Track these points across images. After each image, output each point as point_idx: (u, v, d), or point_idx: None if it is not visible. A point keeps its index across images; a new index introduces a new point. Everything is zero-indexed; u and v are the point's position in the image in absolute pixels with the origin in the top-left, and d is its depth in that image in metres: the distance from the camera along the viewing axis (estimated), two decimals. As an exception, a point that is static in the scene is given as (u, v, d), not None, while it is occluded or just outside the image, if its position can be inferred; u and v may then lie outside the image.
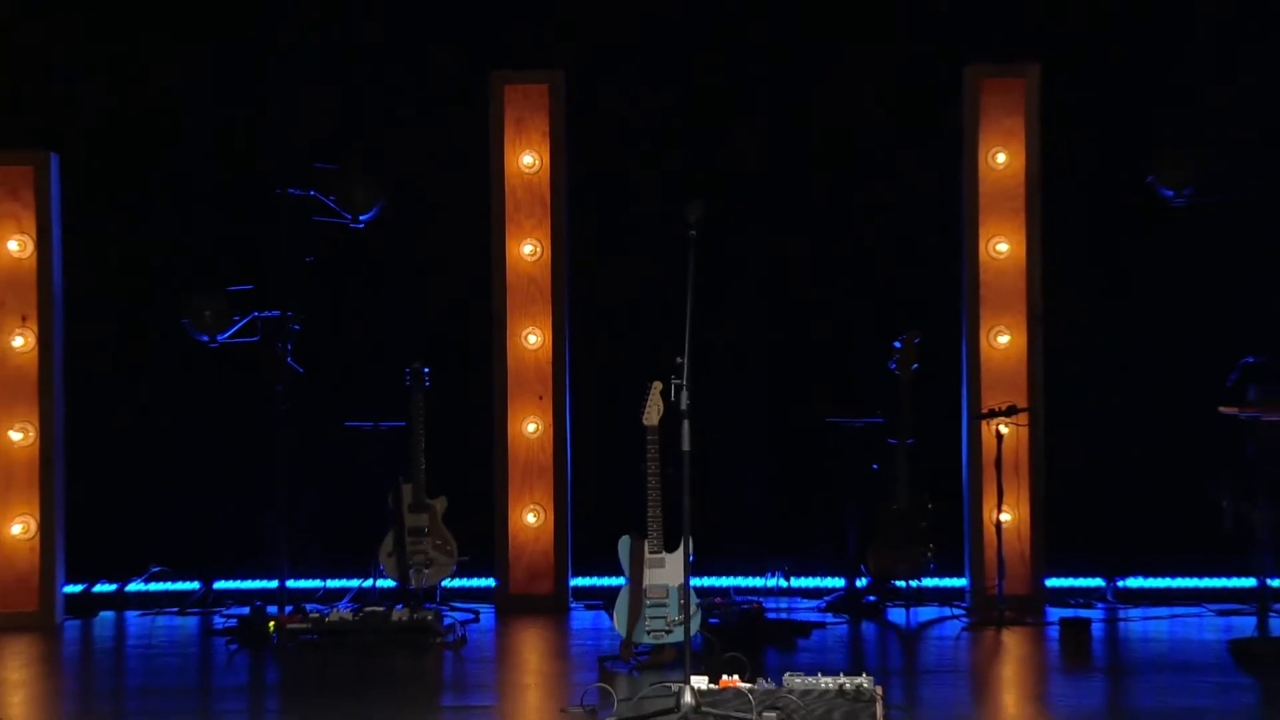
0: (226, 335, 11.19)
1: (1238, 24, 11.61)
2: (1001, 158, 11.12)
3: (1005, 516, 10.84)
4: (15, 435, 11.01)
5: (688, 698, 7.47)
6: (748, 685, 7.61)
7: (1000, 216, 11.12)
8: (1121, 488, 11.41)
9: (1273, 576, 9.85)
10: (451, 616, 10.67)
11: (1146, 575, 11.53)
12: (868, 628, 10.75)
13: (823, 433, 11.46)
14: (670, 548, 9.07)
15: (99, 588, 11.60)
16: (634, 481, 9.12)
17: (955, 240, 11.23)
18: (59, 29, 11.83)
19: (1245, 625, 10.13)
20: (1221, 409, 10.05)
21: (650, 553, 9.12)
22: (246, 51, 11.90)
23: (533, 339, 11.39)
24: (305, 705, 8.75)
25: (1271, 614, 9.74)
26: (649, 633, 9.11)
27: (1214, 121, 11.47)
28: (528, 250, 11.40)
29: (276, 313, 10.93)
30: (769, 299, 11.88)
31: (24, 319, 11.02)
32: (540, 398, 11.39)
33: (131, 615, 11.44)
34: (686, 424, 7.88)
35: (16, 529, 10.99)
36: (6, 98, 11.74)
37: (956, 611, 10.97)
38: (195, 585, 11.66)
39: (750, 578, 11.59)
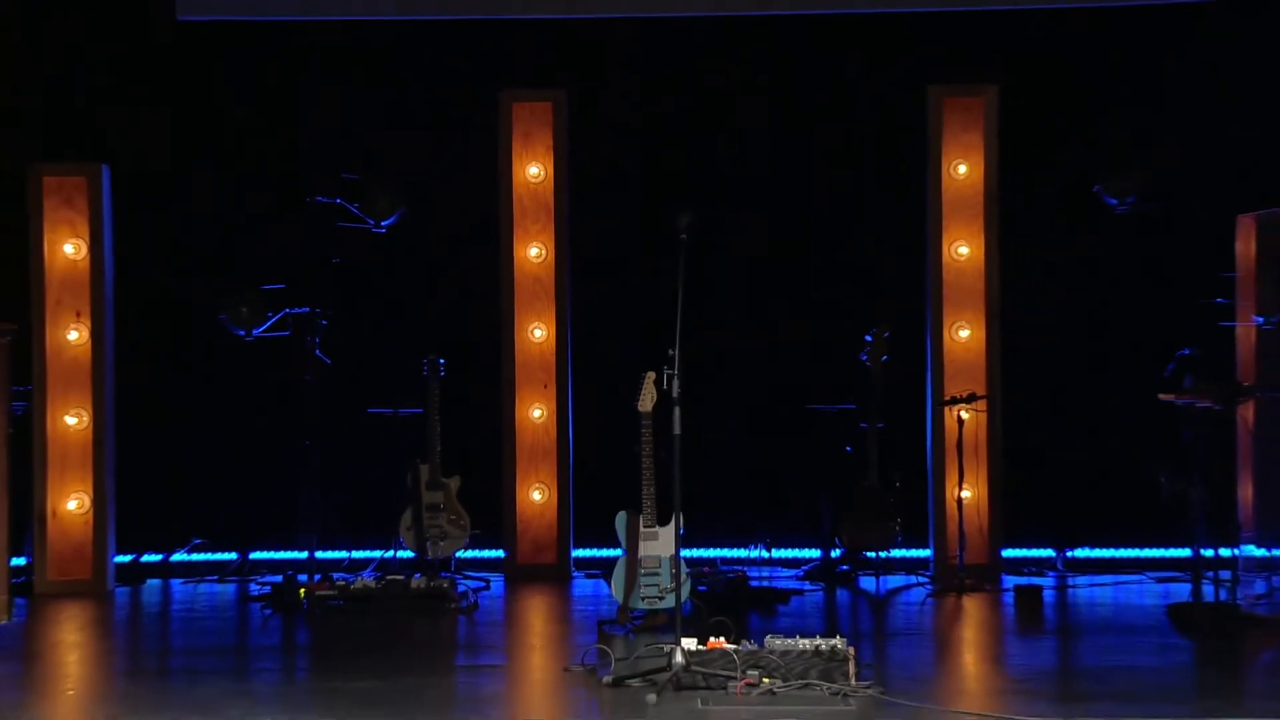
0: (261, 330, 11.18)
1: (1170, 53, 11.65)
2: (962, 169, 11.12)
3: (966, 494, 10.84)
4: (70, 420, 11.01)
5: (678, 658, 7.48)
6: (733, 647, 7.63)
7: (961, 222, 11.12)
8: (1070, 467, 11.44)
9: (1205, 547, 9.82)
10: (464, 584, 10.68)
11: (1093, 546, 11.58)
12: (841, 594, 10.77)
13: (801, 418, 11.50)
14: (663, 522, 9.06)
15: (146, 558, 11.61)
16: (630, 462, 9.13)
17: (920, 243, 11.22)
18: (113, 51, 11.84)
19: (1181, 591, 10.19)
20: (1160, 396, 10.02)
21: (644, 527, 9.11)
22: (281, 74, 11.92)
23: (538, 333, 11.39)
24: (332, 664, 8.76)
25: (1205, 581, 9.72)
26: (643, 599, 9.09)
27: (1152, 138, 11.51)
28: (533, 253, 11.39)
29: (306, 309, 10.94)
30: (753, 297, 11.86)
31: (78, 315, 11.01)
32: (545, 386, 11.38)
33: (175, 583, 11.47)
34: (677, 410, 7.88)
35: (72, 505, 11.00)
36: (63, 113, 11.74)
37: (921, 579, 11.02)
38: (233, 556, 11.68)
39: (735, 549, 11.59)
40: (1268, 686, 8.31)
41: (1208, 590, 9.72)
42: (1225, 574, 9.76)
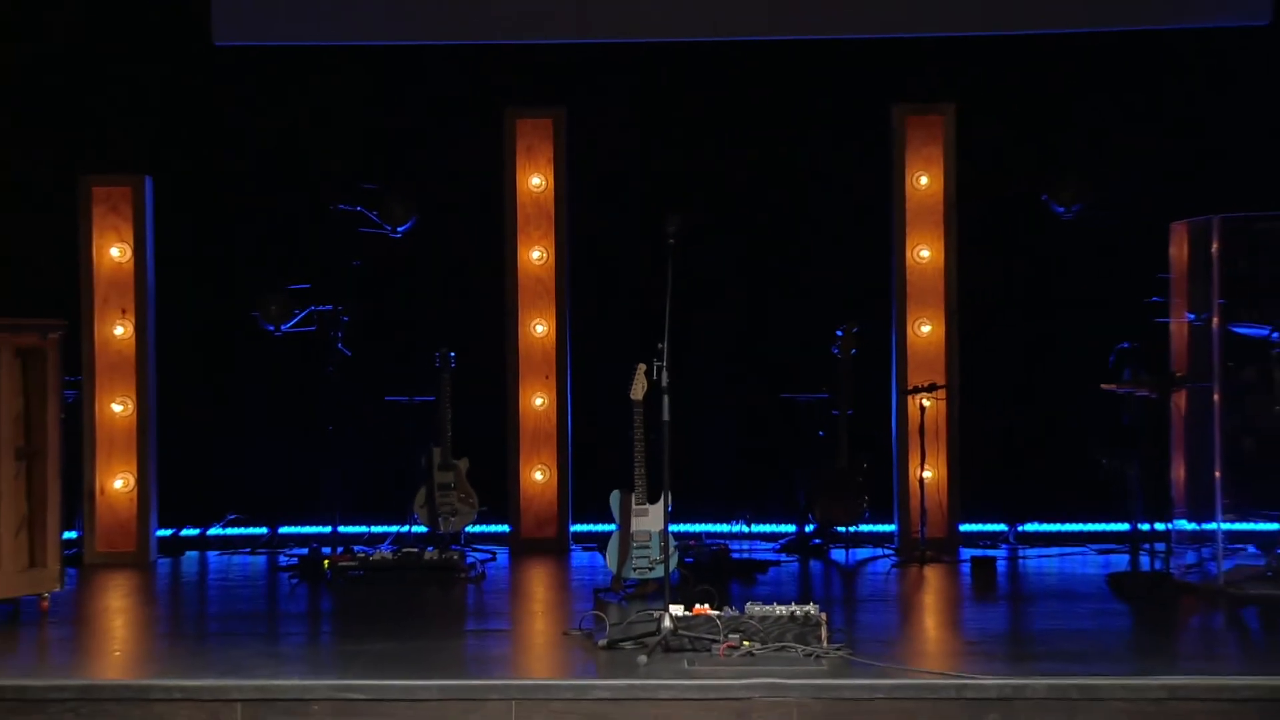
0: (288, 325, 11.25)
1: (1112, 78, 11.71)
2: (923, 180, 11.13)
3: (927, 474, 10.90)
4: (117, 407, 11.05)
5: (667, 623, 7.56)
6: (716, 613, 7.70)
7: (923, 228, 11.13)
8: (1021, 450, 11.50)
9: (1142, 522, 9.87)
10: (473, 556, 10.70)
11: (1041, 521, 11.58)
12: (814, 565, 10.79)
13: (778, 406, 11.55)
14: (653, 500, 9.14)
15: (185, 532, 11.62)
16: (623, 446, 9.22)
17: (886, 248, 11.24)
18: (157, 72, 11.87)
19: (1120, 562, 10.24)
20: (1102, 386, 10.08)
21: (636, 504, 9.19)
22: (307, 92, 11.94)
23: (540, 329, 11.39)
24: (352, 628, 8.82)
25: (1141, 552, 9.80)
26: (635, 570, 9.17)
27: (1096, 154, 11.57)
28: (536, 256, 11.38)
29: (329, 307, 11.02)
30: (735, 296, 11.89)
31: (123, 312, 11.04)
32: (546, 377, 11.37)
33: (212, 555, 11.48)
34: (666, 399, 7.97)
35: (118, 484, 11.04)
36: (111, 128, 11.76)
37: (887, 551, 11.07)
38: (263, 530, 11.69)
39: (718, 524, 11.60)
40: (1197, 648, 8.42)
41: (1144, 561, 9.80)
42: (1160, 546, 9.81)
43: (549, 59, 11.88)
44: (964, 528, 11.23)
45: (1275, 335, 9.61)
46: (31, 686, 7.24)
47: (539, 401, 11.41)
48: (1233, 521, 9.86)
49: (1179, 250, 10.27)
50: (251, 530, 11.72)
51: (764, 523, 11.67)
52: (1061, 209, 11.43)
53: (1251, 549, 10.24)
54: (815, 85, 11.86)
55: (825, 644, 7.53)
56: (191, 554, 11.50)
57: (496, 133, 11.42)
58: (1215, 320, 9.73)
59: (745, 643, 7.48)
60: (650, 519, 9.12)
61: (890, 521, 11.23)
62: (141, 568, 10.88)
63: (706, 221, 11.04)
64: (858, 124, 11.54)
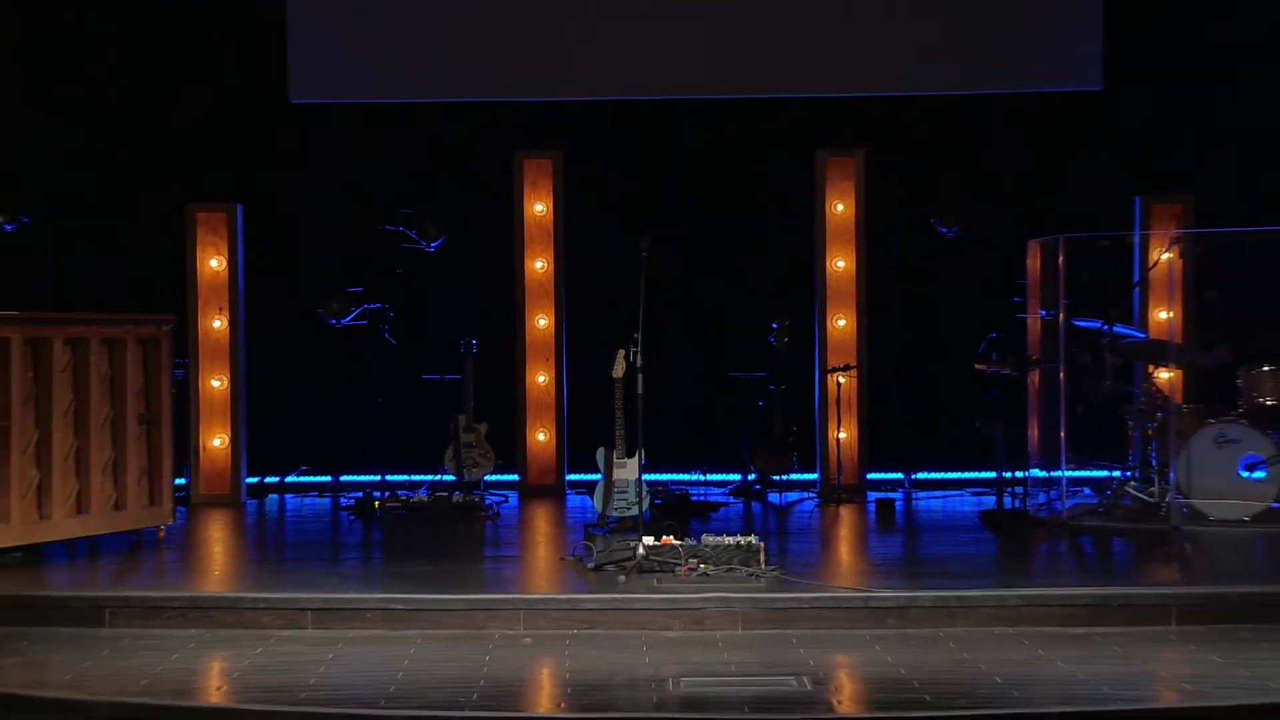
0: (346, 320, 11.22)
1: (980, 126, 11.76)
2: (840, 207, 11.14)
3: (842, 434, 10.93)
4: (215, 382, 11.08)
5: (641, 550, 7.68)
6: (679, 542, 7.77)
7: (839, 244, 11.16)
8: (915, 416, 11.52)
9: (1006, 470, 9.95)
10: (490, 499, 10.73)
11: (930, 470, 11.63)
12: (755, 506, 10.84)
13: (727, 382, 11.58)
14: (630, 455, 9.11)
15: (267, 479, 11.62)
16: (606, 413, 9.22)
17: (811, 259, 11.28)
18: (247, 120, 11.83)
19: (989, 502, 10.28)
20: (976, 366, 10.15)
21: (617, 458, 9.19)
22: (363, 137, 11.90)
23: (542, 322, 11.40)
24: (397, 555, 8.92)
25: (1005, 494, 9.88)
26: (616, 509, 9.16)
27: (972, 186, 11.60)
28: (539, 265, 11.40)
29: (378, 305, 10.99)
30: (694, 296, 11.86)
31: (220, 309, 11.06)
32: (547, 360, 11.39)
33: (289, 498, 11.51)
34: (640, 376, 8.09)
35: (216, 442, 11.07)
36: (211, 165, 11.71)
37: (811, 495, 11.12)
38: (327, 478, 11.67)
39: (681, 474, 11.59)
40: (1046, 566, 8.56)
41: (1007, 501, 9.89)
42: (1019, 490, 9.94)
43: (549, 113, 11.85)
44: (870, 476, 11.24)
45: (1105, 327, 9.73)
46: (152, 597, 7.37)
47: (541, 379, 11.42)
48: (1073, 470, 9.96)
49: (1034, 262, 10.34)
50: (318, 479, 11.71)
51: (716, 473, 11.67)
52: (945, 230, 11.46)
53: (1087, 491, 10.32)
54: (759, 133, 11.82)
55: (763, 566, 7.59)
56: (272, 497, 11.52)
57: (508, 170, 11.42)
58: (1061, 316, 9.82)
59: (701, 565, 7.55)
60: (628, 470, 9.11)
61: (814, 471, 11.24)
62: (234, 507, 10.91)
63: (671, 239, 10.81)
64: (790, 163, 11.51)
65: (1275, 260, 9.09)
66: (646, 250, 8.23)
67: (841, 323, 11.15)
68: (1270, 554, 8.64)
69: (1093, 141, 11.65)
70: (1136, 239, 10.52)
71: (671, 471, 11.43)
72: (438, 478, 11.10)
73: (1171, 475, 9.31)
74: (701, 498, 10.86)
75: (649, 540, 7.76)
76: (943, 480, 11.60)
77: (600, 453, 9.28)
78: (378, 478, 10.86)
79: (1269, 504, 9.26)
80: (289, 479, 11.70)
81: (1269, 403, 9.41)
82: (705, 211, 11.84)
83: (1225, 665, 6.37)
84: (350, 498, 10.88)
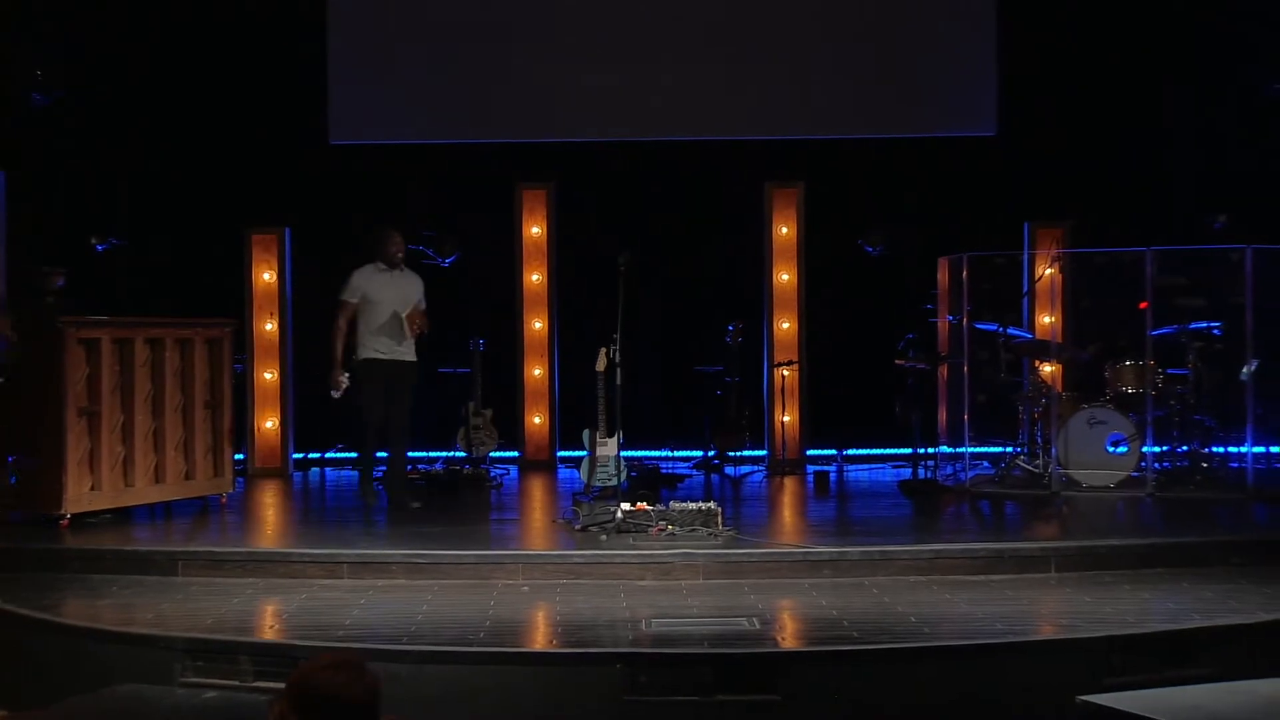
0: None
1: (902, 168, 11.80)
2: (784, 230, 11.16)
3: (786, 418, 10.96)
4: (268, 375, 11.08)
5: (619, 514, 7.71)
6: (651, 508, 7.78)
7: (783, 261, 11.17)
8: (847, 402, 11.48)
9: (920, 447, 10.04)
10: (495, 472, 10.74)
11: (858, 447, 11.64)
12: (714, 478, 10.81)
13: (692, 375, 11.54)
14: (610, 435, 9.17)
15: (310, 455, 11.58)
16: (591, 400, 9.27)
17: (760, 272, 11.28)
18: (290, 155, 11.77)
19: (906, 473, 10.31)
20: (896, 361, 10.29)
21: (600, 438, 9.24)
22: (391, 170, 11.85)
23: (538, 325, 11.40)
24: (416, 518, 8.83)
25: (919, 467, 9.96)
26: (599, 480, 9.20)
27: (893, 213, 11.66)
28: (535, 278, 11.40)
29: None
30: (664, 303, 11.87)
31: (271, 314, 11.08)
32: (542, 356, 11.40)
33: (329, 471, 11.47)
34: (619, 370, 8.19)
35: (269, 424, 11.07)
36: (262, 195, 11.67)
37: (760, 468, 11.09)
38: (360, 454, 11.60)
39: (653, 451, 11.55)
40: (951, 525, 8.62)
41: (922, 472, 10.01)
42: (931, 463, 10.05)
43: (543, 152, 11.84)
44: (809, 452, 11.25)
45: (1000, 329, 9.83)
46: (216, 552, 7.43)
47: (537, 372, 11.43)
48: (974, 447, 10.02)
49: (943, 275, 10.39)
50: (352, 454, 11.45)
51: (682, 450, 11.63)
52: (870, 249, 11.55)
53: (985, 464, 10.34)
54: (716, 168, 11.83)
55: (720, 527, 7.61)
56: (315, 470, 11.49)
57: (510, 198, 11.42)
58: (965, 320, 9.90)
59: (669, 527, 7.59)
60: (609, 447, 9.13)
61: (763, 448, 11.21)
62: (284, 479, 10.92)
63: (645, 256, 10.93)
64: (742, 193, 11.49)
65: (1136, 275, 9.21)
66: (624, 265, 8.25)
67: (785, 325, 11.17)
68: (1130, 514, 8.75)
69: (990, 176, 11.73)
70: (1026, 257, 10.60)
71: (645, 449, 11.40)
72: (451, 454, 11.08)
73: (1053, 450, 9.38)
74: (670, 470, 10.84)
75: (626, 506, 7.78)
76: (869, 455, 11.60)
77: (586, 433, 9.31)
78: (402, 453, 10.81)
79: (1129, 473, 9.39)
80: (329, 455, 11.66)
81: (1130, 391, 9.55)
82: (672, 233, 11.85)
83: (1094, 603, 6.50)
84: (379, 470, 10.72)
